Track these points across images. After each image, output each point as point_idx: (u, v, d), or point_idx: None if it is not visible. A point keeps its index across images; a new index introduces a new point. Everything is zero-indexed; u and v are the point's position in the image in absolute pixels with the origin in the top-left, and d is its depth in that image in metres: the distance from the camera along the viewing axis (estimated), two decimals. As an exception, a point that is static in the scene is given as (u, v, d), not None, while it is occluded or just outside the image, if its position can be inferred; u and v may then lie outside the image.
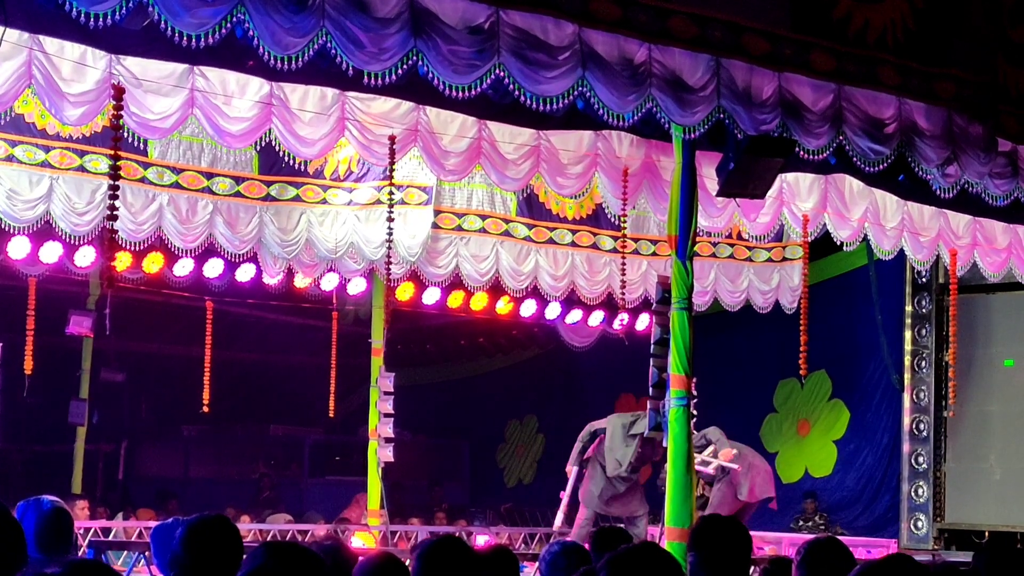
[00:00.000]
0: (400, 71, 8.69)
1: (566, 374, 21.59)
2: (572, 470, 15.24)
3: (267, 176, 13.62)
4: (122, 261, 13.53)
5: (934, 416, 18.01)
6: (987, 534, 17.51)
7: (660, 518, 11.46)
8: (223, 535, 4.72)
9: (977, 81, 10.05)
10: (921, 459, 18.03)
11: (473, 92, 9.02)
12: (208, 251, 13.90)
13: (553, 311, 17.42)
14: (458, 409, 23.09)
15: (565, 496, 15.26)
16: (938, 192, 11.13)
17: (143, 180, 12.91)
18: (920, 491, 18.00)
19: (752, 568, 6.17)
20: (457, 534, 9.63)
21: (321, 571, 3.61)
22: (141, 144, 11.84)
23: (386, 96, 10.85)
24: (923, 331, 18.18)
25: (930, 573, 3.44)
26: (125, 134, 10.30)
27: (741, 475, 14.31)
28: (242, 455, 22.72)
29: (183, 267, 14.45)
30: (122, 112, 9.98)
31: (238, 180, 13.52)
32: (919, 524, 17.94)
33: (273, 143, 11.01)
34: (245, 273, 14.79)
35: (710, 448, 14.28)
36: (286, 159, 11.73)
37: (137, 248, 13.22)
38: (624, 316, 16.72)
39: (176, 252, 13.60)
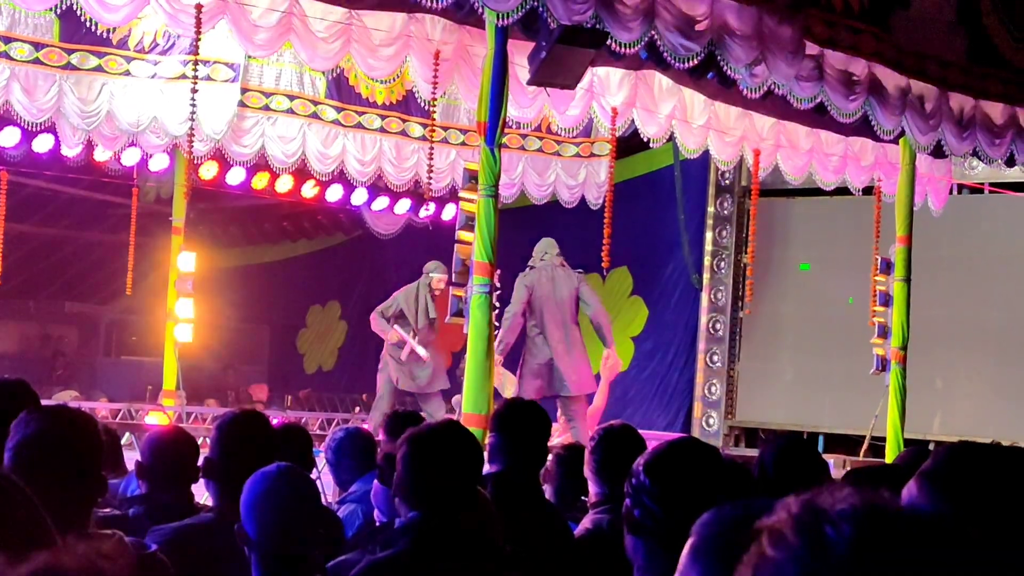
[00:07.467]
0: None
1: (370, 262, 21.52)
2: (391, 334, 15.36)
3: (68, 44, 13.17)
4: (-89, 125, 13.06)
5: (730, 316, 18.40)
6: (775, 432, 18.00)
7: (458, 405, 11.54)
8: (24, 398, 4.63)
9: (789, -17, 10.13)
10: (716, 358, 18.42)
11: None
12: (3, 119, 13.48)
13: (359, 197, 17.32)
14: (260, 293, 22.88)
15: (409, 342, 15.31)
16: (745, 92, 11.26)
17: (-66, 42, 12.44)
18: (713, 389, 18.40)
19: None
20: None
21: (95, 431, 3.52)
22: (-67, 3, 11.35)
23: (194, -36, 10.56)
24: (724, 232, 18.51)
25: (718, 454, 3.47)
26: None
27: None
28: (35, 331, 22.23)
29: (-24, 135, 14.00)
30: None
31: (37, 46, 13.06)
32: (711, 421, 18.36)
33: (75, 7, 10.62)
34: (43, 144, 14.38)
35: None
36: (88, 26, 11.34)
37: (-72, 113, 12.75)
38: (431, 205, 16.70)
39: (-31, 118, 13.16)
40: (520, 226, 16.16)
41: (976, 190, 16.93)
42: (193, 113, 12.28)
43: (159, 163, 15.52)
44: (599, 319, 14.73)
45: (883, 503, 1.31)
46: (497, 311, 10.15)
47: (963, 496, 2.33)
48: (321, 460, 7.36)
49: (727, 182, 18.37)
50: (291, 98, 14.83)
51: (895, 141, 12.63)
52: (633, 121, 13.82)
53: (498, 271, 9.89)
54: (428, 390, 15.41)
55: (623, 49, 9.79)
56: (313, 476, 6.12)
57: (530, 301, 14.40)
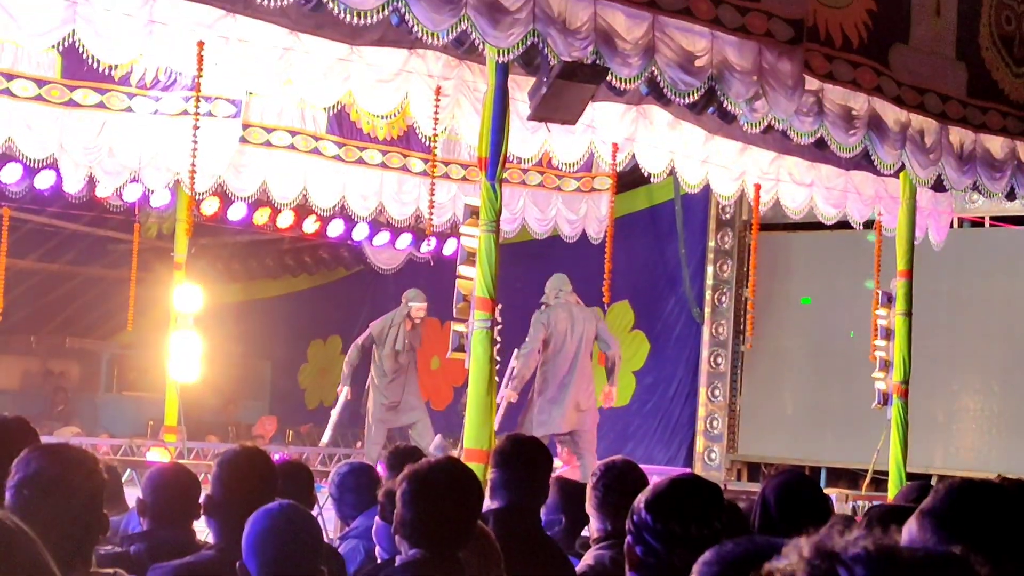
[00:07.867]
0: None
1: (372, 296, 21.50)
2: (343, 390, 15.53)
3: (70, 81, 13.21)
4: (-86, 163, 13.09)
5: (731, 350, 18.38)
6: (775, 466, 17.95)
7: (459, 441, 11.53)
8: (24, 436, 4.63)
9: (788, 19, 10.15)
10: (717, 392, 18.39)
11: (285, 1, 8.83)
12: (6, 156, 13.51)
13: (361, 232, 17.34)
14: (261, 328, 22.85)
15: (335, 414, 15.56)
16: (745, 127, 11.27)
17: (-63, 80, 12.48)
18: (715, 423, 18.37)
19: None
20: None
21: (96, 469, 3.52)
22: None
23: (196, 1, 10.58)
24: (725, 266, 18.51)
25: (720, 491, 3.47)
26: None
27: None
28: (36, 367, 22.21)
29: (-22, 172, 14.04)
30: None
31: (40, 83, 13.10)
32: (713, 455, 18.32)
33: (77, 44, 10.65)
34: (45, 180, 14.41)
35: None
36: (90, 62, 11.36)
37: (-70, 150, 12.79)
38: (432, 240, 16.72)
39: (-28, 155, 13.20)
40: (521, 260, 16.19)
41: (977, 223, 16.94)
42: (195, 149, 12.29)
43: (160, 199, 15.53)
44: (614, 359, 14.83)
45: (895, 546, 1.32)
46: (498, 345, 10.12)
47: (965, 534, 2.33)
48: (323, 495, 7.35)
49: (728, 216, 18.39)
50: (292, 134, 14.86)
51: (895, 175, 12.64)
52: (634, 156, 13.84)
53: (499, 306, 9.88)
54: (406, 422, 15.53)
55: (623, 84, 9.81)
56: (314, 513, 6.11)
57: (545, 338, 14.41)
